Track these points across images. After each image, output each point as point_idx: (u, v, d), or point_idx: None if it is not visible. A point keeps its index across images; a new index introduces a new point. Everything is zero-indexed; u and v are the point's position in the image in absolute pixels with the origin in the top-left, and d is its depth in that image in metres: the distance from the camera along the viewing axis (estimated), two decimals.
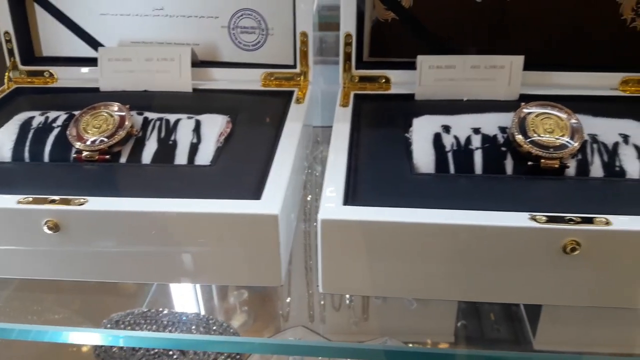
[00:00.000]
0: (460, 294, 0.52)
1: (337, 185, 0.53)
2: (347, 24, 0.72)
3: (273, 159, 0.58)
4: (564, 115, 0.57)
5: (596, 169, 0.55)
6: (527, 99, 0.70)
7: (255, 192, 0.52)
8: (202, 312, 0.74)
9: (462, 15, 0.73)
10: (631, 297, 0.50)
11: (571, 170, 0.55)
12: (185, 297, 0.76)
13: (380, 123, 0.67)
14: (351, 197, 0.53)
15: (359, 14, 0.73)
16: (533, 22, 0.72)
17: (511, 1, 0.71)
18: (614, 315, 0.58)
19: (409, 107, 0.70)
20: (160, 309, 0.71)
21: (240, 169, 0.57)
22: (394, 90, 0.74)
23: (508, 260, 0.49)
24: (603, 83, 0.72)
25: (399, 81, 0.74)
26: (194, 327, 0.70)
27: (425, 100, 0.72)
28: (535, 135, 0.55)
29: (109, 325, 0.69)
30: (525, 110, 0.58)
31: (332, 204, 0.50)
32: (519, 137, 0.55)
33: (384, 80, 0.75)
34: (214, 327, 0.69)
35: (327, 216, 0.48)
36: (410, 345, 0.71)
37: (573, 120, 0.56)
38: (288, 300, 0.74)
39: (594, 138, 0.57)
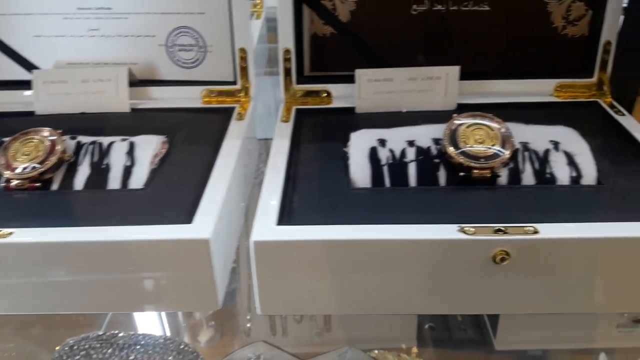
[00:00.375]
0: (397, 307, 0.52)
1: (271, 205, 0.52)
2: (285, 39, 0.72)
3: (209, 179, 0.57)
4: (494, 125, 0.58)
5: (527, 177, 0.56)
6: (464, 108, 0.71)
7: (188, 216, 0.52)
8: (167, 330, 0.72)
9: (399, 27, 0.73)
10: (565, 303, 0.51)
11: (503, 179, 0.56)
12: (150, 316, 0.74)
13: (321, 138, 0.67)
14: (287, 216, 0.52)
15: (298, 29, 0.73)
16: (468, 32, 0.73)
17: (446, 12, 0.72)
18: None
19: (350, 120, 0.70)
20: (116, 331, 0.69)
21: (174, 191, 0.56)
22: (335, 103, 0.75)
23: (441, 272, 0.49)
24: (538, 90, 0.73)
25: (341, 94, 0.75)
26: (150, 349, 0.68)
27: (366, 113, 0.72)
28: (466, 146, 0.56)
29: (62, 353, 0.67)
30: (456, 122, 0.58)
31: (265, 224, 0.50)
32: (451, 149, 0.56)
33: (325, 95, 0.75)
34: (172, 347, 0.68)
35: (259, 237, 0.48)
36: (376, 351, 0.70)
37: (503, 130, 0.57)
38: (248, 317, 0.73)
39: (525, 146, 0.58)
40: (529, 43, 0.73)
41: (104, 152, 0.62)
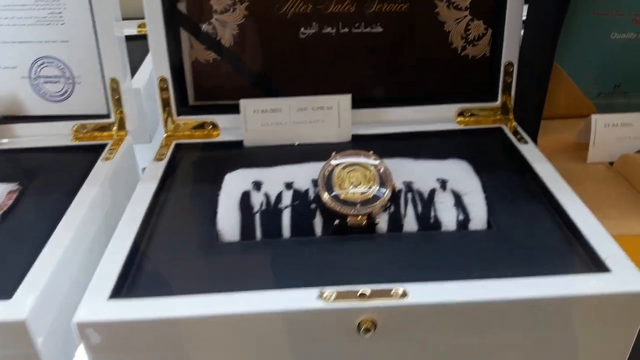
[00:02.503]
0: None
1: (110, 272, 0.45)
2: (160, 67, 0.65)
3: (49, 238, 0.49)
4: (371, 165, 0.52)
5: (409, 222, 0.50)
6: (360, 139, 0.66)
7: (12, 289, 0.44)
8: None
9: (288, 52, 0.67)
10: None
11: (382, 225, 0.50)
12: None
13: (198, 179, 0.61)
14: (129, 284, 0.45)
15: (176, 55, 0.67)
16: (362, 56, 0.67)
17: (337, 35, 0.67)
18: None
19: (236, 156, 0.64)
20: None
21: (6, 255, 0.49)
22: (223, 136, 0.68)
23: (303, 346, 0.43)
24: (439, 116, 0.68)
25: (229, 126, 0.68)
26: None
27: (255, 147, 0.66)
28: (340, 190, 0.50)
29: None
30: (333, 162, 0.52)
31: (94, 299, 0.43)
32: (325, 195, 0.50)
33: (211, 127, 0.68)
34: None
35: (82, 318, 0.41)
36: None
37: (382, 169, 0.52)
38: None
39: (408, 186, 0.53)
40: (428, 66, 0.68)
41: None
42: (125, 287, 0.45)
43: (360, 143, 0.66)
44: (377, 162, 0.52)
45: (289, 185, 0.54)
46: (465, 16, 0.66)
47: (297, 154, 0.64)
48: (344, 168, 0.52)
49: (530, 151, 0.61)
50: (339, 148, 0.64)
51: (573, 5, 0.61)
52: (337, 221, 0.50)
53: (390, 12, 0.65)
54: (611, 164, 0.62)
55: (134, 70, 0.75)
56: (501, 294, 0.41)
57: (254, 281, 0.45)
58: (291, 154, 0.64)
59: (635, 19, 0.62)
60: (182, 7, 0.65)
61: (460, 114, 0.68)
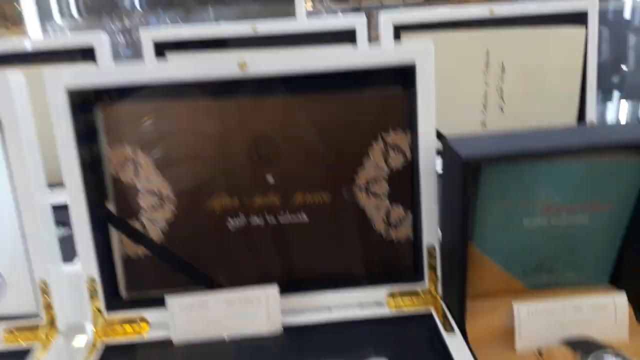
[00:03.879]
0: None
1: None
2: (89, 267, 0.66)
3: None
4: None
5: None
6: (290, 330, 0.66)
7: None
8: None
9: (217, 244, 0.69)
10: None
11: None
12: None
13: None
14: None
15: (106, 251, 0.68)
16: (290, 246, 0.69)
17: (265, 226, 0.68)
18: None
19: (162, 358, 0.63)
20: None
21: None
22: (153, 333, 0.67)
23: None
24: (371, 299, 0.69)
25: (160, 321, 0.68)
26: None
27: (185, 345, 0.65)
28: None
29: None
30: None
31: None
32: None
33: (142, 322, 0.68)
34: None
35: None
36: None
37: None
38: None
39: None
40: (355, 252, 0.70)
41: None
42: None
43: (290, 335, 0.66)
44: None
45: None
46: (384, 202, 0.68)
47: (228, 349, 0.64)
48: None
49: (455, 343, 0.61)
50: (269, 341, 0.65)
51: (478, 194, 0.63)
52: None
53: (313, 204, 0.68)
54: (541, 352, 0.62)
55: None
56: None
57: None
58: (222, 351, 0.64)
59: (545, 206, 0.64)
60: (110, 206, 0.68)
61: (391, 296, 0.69)
